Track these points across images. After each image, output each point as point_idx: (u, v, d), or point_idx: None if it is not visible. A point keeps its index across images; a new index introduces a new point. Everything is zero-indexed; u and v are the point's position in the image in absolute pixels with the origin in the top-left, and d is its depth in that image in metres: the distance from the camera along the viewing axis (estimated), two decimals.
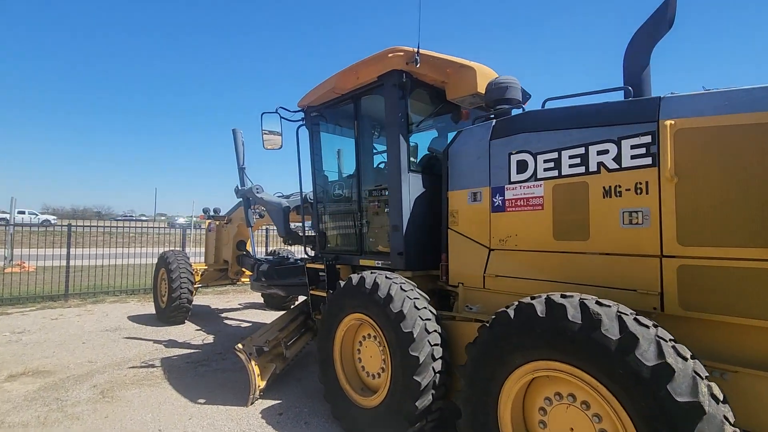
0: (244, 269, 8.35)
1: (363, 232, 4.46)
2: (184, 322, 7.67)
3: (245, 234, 8.35)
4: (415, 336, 2.99)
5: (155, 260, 11.98)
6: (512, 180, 3.27)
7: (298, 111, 5.18)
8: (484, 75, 4.12)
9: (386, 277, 3.40)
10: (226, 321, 8.05)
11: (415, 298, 3.23)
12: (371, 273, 3.53)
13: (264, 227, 13.03)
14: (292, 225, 5.96)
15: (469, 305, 3.56)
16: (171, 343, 6.34)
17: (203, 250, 10.65)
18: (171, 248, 9.58)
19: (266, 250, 12.87)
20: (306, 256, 5.26)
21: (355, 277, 3.56)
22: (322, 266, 4.76)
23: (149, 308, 8.96)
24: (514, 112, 3.75)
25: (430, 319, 3.15)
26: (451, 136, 5.00)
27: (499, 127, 3.48)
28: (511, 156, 3.28)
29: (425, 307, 3.21)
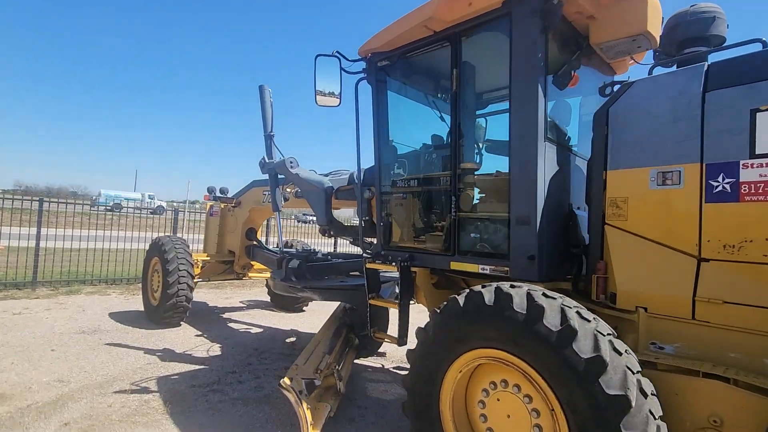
0: (253, 262, 7.03)
1: (458, 224, 3.20)
2: (180, 324, 6.30)
3: (257, 220, 7.02)
4: (632, 403, 1.77)
5: (141, 245, 10.52)
6: (760, 152, 2.07)
7: (359, 60, 3.88)
8: (655, 7, 2.91)
9: (546, 296, 2.17)
10: (230, 324, 6.70)
11: (608, 335, 2.00)
12: (512, 287, 2.29)
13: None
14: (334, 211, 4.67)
15: (657, 342, 2.36)
16: (168, 355, 4.99)
17: (200, 236, 9.29)
18: (165, 233, 8.16)
19: (266, 241, 11.44)
20: (365, 254, 3.97)
21: (487, 293, 2.30)
22: (391, 268, 3.51)
23: (135, 303, 7.54)
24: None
25: (640, 371, 1.93)
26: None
27: (721, 71, 2.27)
28: (759, 114, 2.08)
29: (627, 351, 1.98)
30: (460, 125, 3.26)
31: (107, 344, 5.22)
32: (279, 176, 4.95)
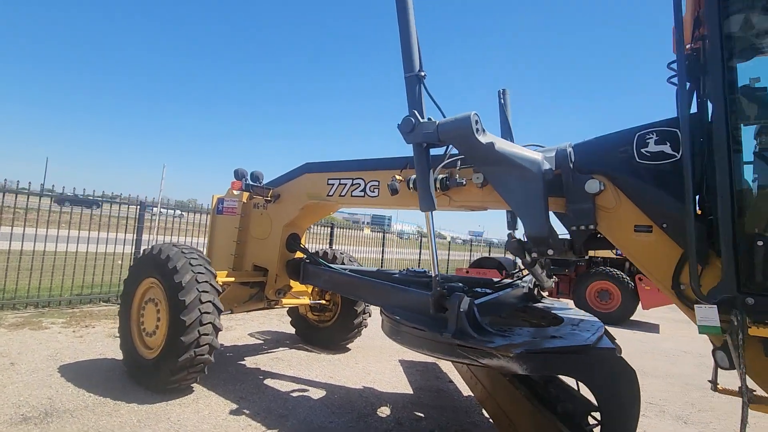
0: (292, 284, 4.77)
1: None
2: (192, 389, 3.89)
3: (302, 224, 4.84)
4: None
5: (80, 246, 7.59)
6: None
7: None
8: None
9: None
10: (268, 382, 4.35)
11: None
12: None
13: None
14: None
15: None
16: None
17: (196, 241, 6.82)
18: (153, 237, 5.59)
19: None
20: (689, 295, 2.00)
21: None
22: None
23: (93, 342, 4.92)
24: None
25: None
26: None
27: None
28: None
29: None
30: None
31: None
32: (433, 148, 2.83)
